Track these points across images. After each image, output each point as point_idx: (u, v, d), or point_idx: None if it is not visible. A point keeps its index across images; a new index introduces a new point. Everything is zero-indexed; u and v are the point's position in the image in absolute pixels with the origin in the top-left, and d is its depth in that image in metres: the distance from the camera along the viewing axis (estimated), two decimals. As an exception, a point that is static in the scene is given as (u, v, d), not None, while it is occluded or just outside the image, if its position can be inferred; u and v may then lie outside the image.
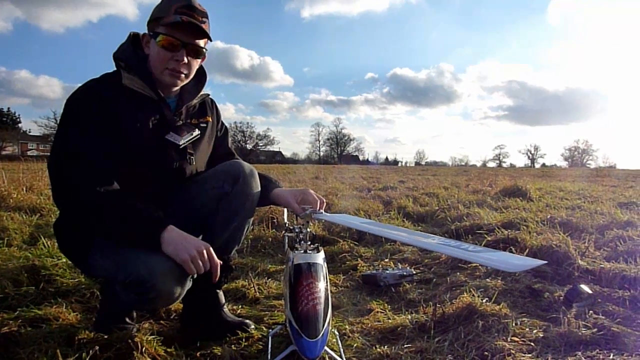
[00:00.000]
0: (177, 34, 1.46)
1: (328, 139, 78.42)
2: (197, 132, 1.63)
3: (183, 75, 1.53)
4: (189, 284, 1.41)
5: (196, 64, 1.57)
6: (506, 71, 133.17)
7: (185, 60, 1.49)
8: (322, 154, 77.39)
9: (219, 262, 1.35)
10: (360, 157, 78.47)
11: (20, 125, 58.17)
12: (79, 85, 1.46)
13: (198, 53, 1.54)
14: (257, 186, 1.66)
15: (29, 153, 42.22)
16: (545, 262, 1.14)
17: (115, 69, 1.53)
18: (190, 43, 1.49)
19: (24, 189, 4.97)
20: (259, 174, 1.71)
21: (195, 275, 1.35)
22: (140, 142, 1.47)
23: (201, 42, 1.53)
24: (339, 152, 77.80)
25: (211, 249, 1.34)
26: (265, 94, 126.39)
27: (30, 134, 55.23)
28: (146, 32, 1.53)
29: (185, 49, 1.48)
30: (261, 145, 72.00)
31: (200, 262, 1.29)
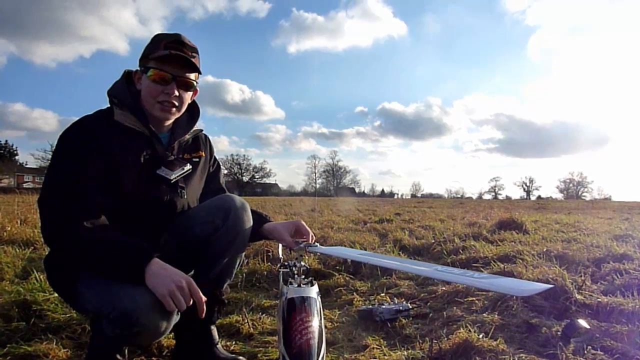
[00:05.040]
0: (167, 68, 1.50)
1: (324, 171, 78.81)
2: (188, 166, 1.64)
3: (174, 109, 1.56)
4: (176, 318, 1.39)
5: (187, 97, 1.60)
6: (493, 104, 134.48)
7: (176, 93, 1.53)
8: (318, 186, 77.55)
9: (203, 297, 1.32)
10: (357, 190, 78.67)
11: (17, 157, 58.52)
12: (74, 118, 1.49)
13: (188, 86, 1.57)
14: (248, 220, 1.67)
15: (24, 185, 42.23)
16: (552, 285, 1.14)
17: (109, 105, 1.56)
18: (180, 76, 1.52)
19: (19, 221, 4.94)
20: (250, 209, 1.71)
21: (178, 310, 1.32)
22: (131, 177, 1.49)
23: (191, 76, 1.57)
24: (335, 184, 78.01)
25: (194, 283, 1.31)
26: (258, 126, 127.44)
27: (27, 166, 55.40)
28: (138, 68, 1.57)
29: (175, 82, 1.52)
30: (257, 178, 72.24)
31: (181, 297, 1.27)
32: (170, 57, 1.49)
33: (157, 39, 1.53)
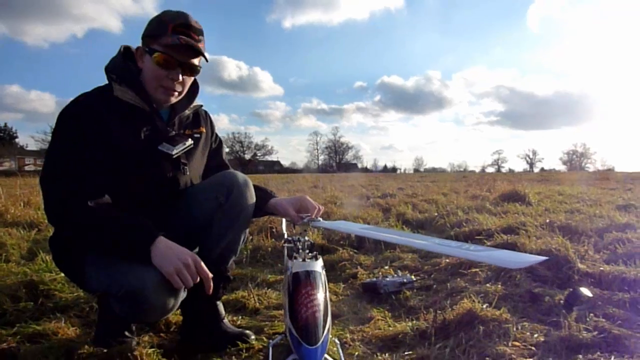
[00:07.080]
0: (174, 53, 1.46)
1: (326, 148, 78.57)
2: (190, 142, 1.62)
3: (177, 93, 1.54)
4: (183, 295, 1.40)
5: (190, 81, 1.58)
6: (493, 77, 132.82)
7: (180, 78, 1.50)
8: (320, 162, 77.44)
9: (209, 273, 1.33)
10: (359, 165, 78.53)
11: (17, 140, 58.40)
12: (71, 99, 1.46)
13: (193, 71, 1.54)
14: (252, 197, 1.66)
15: (26, 168, 42.30)
16: (547, 257, 1.15)
17: (107, 82, 1.53)
18: (186, 62, 1.49)
19: (22, 204, 4.96)
20: (253, 185, 1.70)
21: (185, 287, 1.33)
22: (132, 153, 1.47)
23: (196, 61, 1.54)
24: (337, 160, 77.85)
25: (200, 260, 1.32)
26: (257, 104, 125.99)
27: (27, 148, 55.36)
28: (140, 45, 1.53)
29: (181, 68, 1.49)
30: (259, 155, 72.15)
31: (188, 275, 1.28)
32: (179, 45, 1.45)
33: (164, 21, 1.47)
